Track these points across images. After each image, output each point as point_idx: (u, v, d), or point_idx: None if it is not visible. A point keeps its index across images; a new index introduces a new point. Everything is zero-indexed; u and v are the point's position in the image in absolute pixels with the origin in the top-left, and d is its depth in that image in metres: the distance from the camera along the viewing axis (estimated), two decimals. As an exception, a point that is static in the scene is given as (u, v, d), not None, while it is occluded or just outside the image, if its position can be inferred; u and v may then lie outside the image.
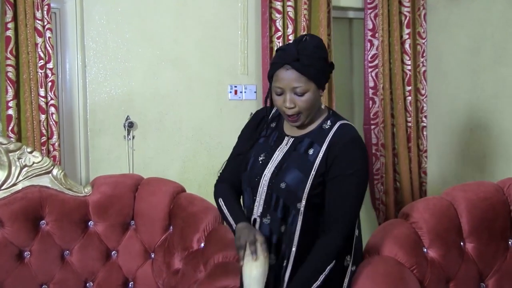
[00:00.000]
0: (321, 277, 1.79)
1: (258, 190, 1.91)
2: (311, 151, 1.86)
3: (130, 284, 2.67)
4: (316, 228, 1.86)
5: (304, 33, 3.30)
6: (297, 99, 1.82)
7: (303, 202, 1.83)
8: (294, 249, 1.86)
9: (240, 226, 1.87)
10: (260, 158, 1.94)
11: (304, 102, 1.82)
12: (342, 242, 1.83)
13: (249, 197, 1.96)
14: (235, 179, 2.03)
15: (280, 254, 1.89)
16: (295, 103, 1.82)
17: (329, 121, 1.91)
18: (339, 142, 1.83)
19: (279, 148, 1.93)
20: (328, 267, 1.80)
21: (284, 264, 1.88)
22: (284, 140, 1.95)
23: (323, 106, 1.94)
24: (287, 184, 1.84)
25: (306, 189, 1.82)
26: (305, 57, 1.79)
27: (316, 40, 1.89)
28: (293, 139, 1.93)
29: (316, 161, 1.84)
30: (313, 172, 1.82)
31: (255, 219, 1.92)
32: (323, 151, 1.84)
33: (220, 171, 2.14)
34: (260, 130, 2.04)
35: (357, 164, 1.82)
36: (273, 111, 2.04)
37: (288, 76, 1.80)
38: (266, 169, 1.91)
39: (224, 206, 2.00)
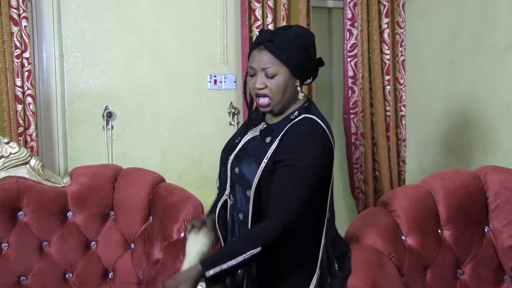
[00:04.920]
0: (239, 259, 1.68)
1: (227, 169, 1.90)
2: (268, 140, 1.83)
3: (110, 274, 2.67)
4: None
5: (284, 23, 3.31)
6: (267, 81, 1.79)
7: (253, 189, 1.79)
8: None
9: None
10: (236, 140, 1.94)
11: (274, 85, 1.78)
12: (276, 232, 1.73)
13: (223, 175, 1.95)
14: None
15: None
16: (266, 84, 1.79)
17: (296, 112, 1.85)
18: (293, 133, 1.79)
19: (250, 131, 1.93)
20: (251, 252, 1.69)
21: None
22: (259, 125, 1.92)
23: (300, 96, 1.86)
24: (240, 170, 1.84)
25: (256, 177, 1.79)
26: (279, 39, 1.76)
27: (301, 30, 1.85)
28: (266, 125, 1.90)
29: (269, 151, 1.79)
30: (264, 160, 1.78)
31: (226, 199, 1.91)
32: (277, 141, 1.80)
33: None
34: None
35: (306, 157, 1.75)
36: None
37: (259, 57, 1.79)
38: (235, 151, 1.90)
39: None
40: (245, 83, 1.91)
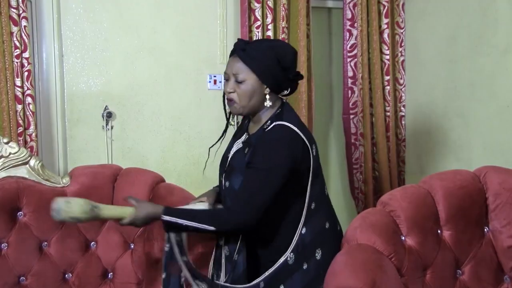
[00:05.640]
0: (193, 224, 1.91)
1: (221, 182, 2.10)
2: (246, 151, 2.00)
3: (110, 275, 2.66)
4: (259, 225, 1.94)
5: (284, 23, 3.31)
6: (236, 86, 1.96)
7: None
8: (239, 244, 1.98)
9: None
10: (228, 154, 2.10)
11: (241, 90, 1.95)
12: (231, 226, 1.94)
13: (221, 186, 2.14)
14: None
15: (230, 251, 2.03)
16: (235, 89, 1.96)
17: (269, 121, 1.99)
18: (263, 139, 1.95)
19: (236, 143, 2.10)
20: (205, 226, 1.90)
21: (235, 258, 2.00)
22: (243, 137, 2.09)
23: (268, 104, 1.99)
24: (230, 183, 2.02)
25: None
26: (251, 49, 1.94)
27: (280, 43, 2.04)
28: (247, 137, 2.07)
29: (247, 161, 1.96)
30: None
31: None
32: (252, 150, 1.96)
33: None
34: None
35: (269, 161, 1.90)
36: None
37: (232, 63, 1.96)
38: (226, 166, 2.08)
39: None
40: None
